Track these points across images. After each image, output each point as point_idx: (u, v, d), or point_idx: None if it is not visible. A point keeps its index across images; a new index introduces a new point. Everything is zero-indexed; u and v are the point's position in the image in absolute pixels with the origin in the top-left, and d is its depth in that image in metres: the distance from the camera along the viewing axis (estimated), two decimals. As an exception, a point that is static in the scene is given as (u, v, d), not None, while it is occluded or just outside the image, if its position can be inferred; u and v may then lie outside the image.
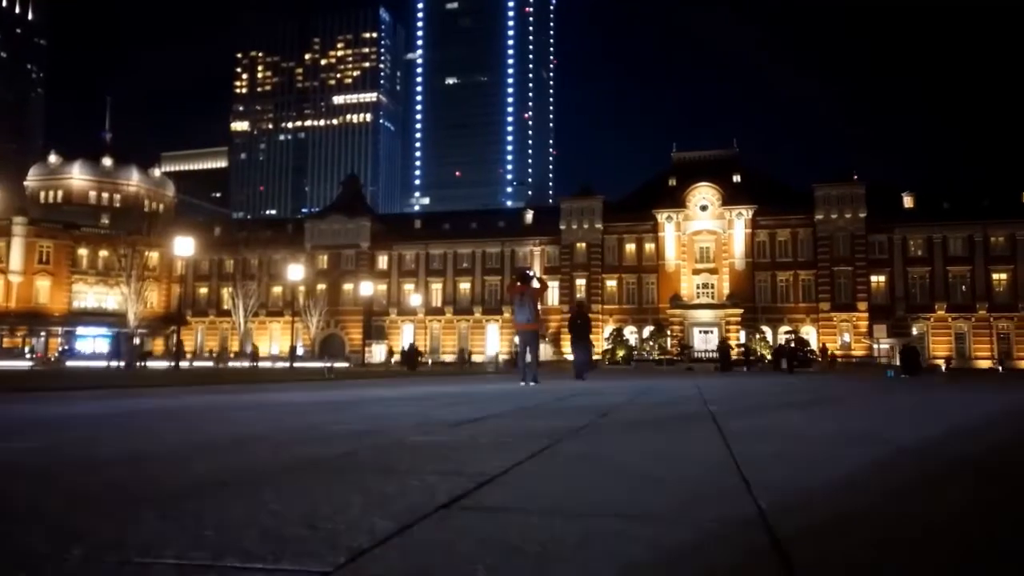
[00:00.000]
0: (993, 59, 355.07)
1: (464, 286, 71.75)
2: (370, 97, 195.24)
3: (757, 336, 59.31)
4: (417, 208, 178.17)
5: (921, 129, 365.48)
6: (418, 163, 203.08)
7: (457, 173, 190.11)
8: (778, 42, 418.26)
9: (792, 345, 54.53)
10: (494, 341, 70.05)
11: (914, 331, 59.81)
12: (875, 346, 59.56)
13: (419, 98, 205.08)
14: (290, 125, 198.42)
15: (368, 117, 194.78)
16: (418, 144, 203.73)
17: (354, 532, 1.58)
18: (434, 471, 2.43)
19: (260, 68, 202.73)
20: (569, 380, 15.26)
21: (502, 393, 9.03)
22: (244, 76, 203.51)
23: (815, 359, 54.81)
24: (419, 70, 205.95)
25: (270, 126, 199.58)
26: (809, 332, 60.49)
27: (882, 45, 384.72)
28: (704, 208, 64.74)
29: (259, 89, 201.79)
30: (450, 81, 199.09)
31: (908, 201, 61.87)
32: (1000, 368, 53.49)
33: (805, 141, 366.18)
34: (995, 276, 59.20)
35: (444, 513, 1.79)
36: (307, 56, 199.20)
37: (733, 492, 2.07)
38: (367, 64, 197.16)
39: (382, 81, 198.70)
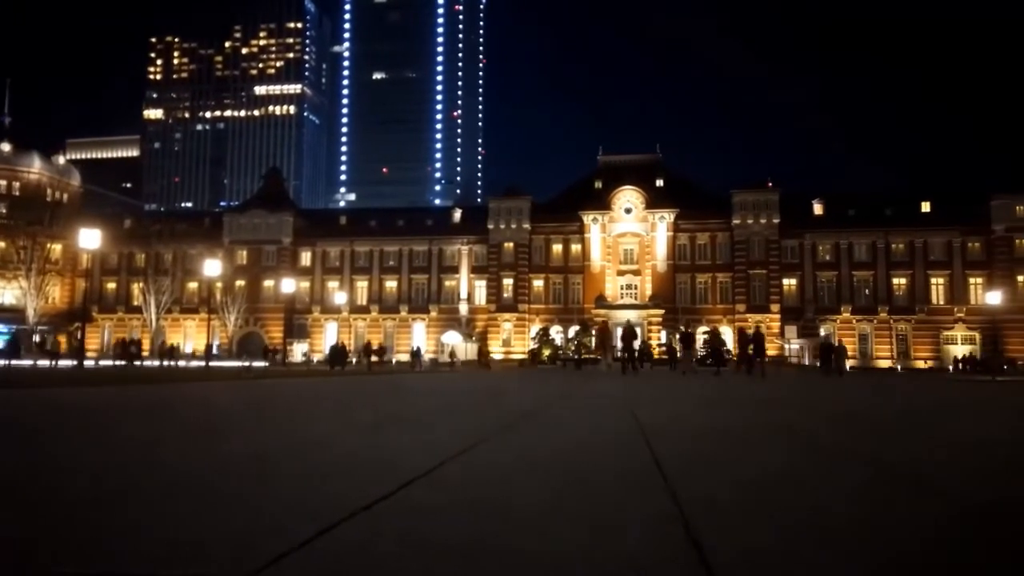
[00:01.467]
0: (902, 72, 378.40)
1: (390, 284, 70.85)
2: (294, 89, 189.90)
3: (677, 336, 61.06)
4: (342, 204, 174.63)
5: (832, 138, 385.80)
6: (344, 158, 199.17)
7: (384, 170, 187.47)
8: (702, 49, 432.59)
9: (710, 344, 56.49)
10: (420, 340, 69.46)
11: (822, 332, 62.98)
12: (787, 346, 62.40)
13: (345, 92, 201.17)
14: (208, 115, 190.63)
15: (292, 109, 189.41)
16: (344, 139, 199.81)
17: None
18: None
19: (177, 54, 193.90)
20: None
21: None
22: (159, 62, 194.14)
23: (731, 359, 56.94)
24: (346, 63, 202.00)
25: (187, 115, 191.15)
26: (726, 332, 62.74)
27: (799, 56, 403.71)
28: (628, 211, 66.23)
29: (175, 76, 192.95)
30: (378, 76, 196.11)
31: (818, 208, 65.13)
32: (899, 368, 57.09)
33: (725, 148, 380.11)
34: (895, 280, 63.09)
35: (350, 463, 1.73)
36: (227, 44, 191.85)
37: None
38: (291, 55, 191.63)
39: (307, 73, 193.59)
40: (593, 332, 62.84)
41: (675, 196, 66.10)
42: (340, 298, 63.42)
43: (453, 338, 68.06)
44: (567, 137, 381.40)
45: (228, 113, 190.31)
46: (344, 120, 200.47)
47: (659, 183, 67.67)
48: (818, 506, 2.07)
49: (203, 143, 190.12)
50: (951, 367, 54.51)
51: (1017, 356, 56.37)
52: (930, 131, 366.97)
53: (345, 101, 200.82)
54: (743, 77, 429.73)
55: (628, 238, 66.36)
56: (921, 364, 59.56)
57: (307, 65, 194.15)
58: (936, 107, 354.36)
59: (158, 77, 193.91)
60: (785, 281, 63.97)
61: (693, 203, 65.41)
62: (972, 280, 61.41)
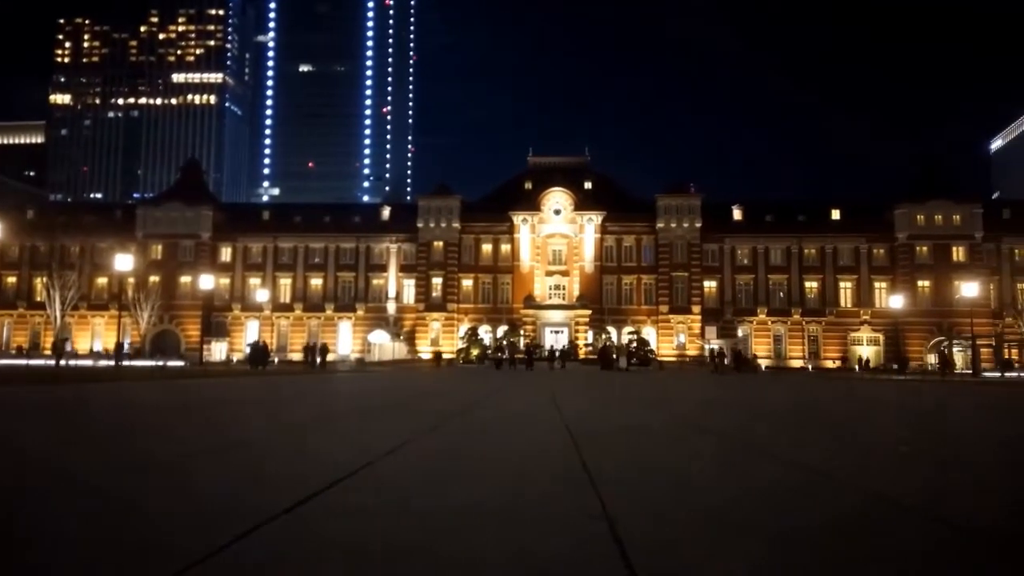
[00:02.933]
0: (815, 81, 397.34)
1: (316, 282, 69.22)
2: (215, 78, 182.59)
3: (603, 336, 62.23)
4: (266, 199, 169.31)
5: (751, 146, 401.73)
6: (267, 151, 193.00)
7: (310, 164, 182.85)
8: (631, 52, 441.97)
9: (633, 345, 57.95)
10: (346, 339, 68.20)
11: (739, 333, 65.57)
12: (706, 346, 64.60)
13: (270, 83, 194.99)
14: (121, 102, 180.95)
15: (212, 99, 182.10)
16: (268, 131, 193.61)
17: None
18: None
19: (87, 37, 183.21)
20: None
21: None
22: (68, 44, 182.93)
23: (654, 358, 58.62)
24: (270, 54, 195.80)
25: (97, 101, 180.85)
26: (649, 333, 64.41)
27: (724, 67, 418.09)
28: (557, 212, 67.00)
29: (85, 60, 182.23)
30: (304, 68, 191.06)
31: (737, 214, 67.67)
32: (809, 368, 60.01)
33: (651, 154, 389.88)
34: (808, 284, 66.24)
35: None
36: (143, 28, 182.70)
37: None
38: (212, 43, 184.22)
39: (229, 62, 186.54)
40: (522, 333, 63.40)
41: (603, 199, 67.34)
42: (262, 296, 61.43)
43: (381, 337, 67.12)
44: (498, 136, 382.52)
45: (143, 100, 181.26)
46: (268, 112, 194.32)
47: (587, 185, 68.78)
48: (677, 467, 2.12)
49: (115, 131, 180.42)
50: (857, 367, 57.71)
51: (916, 357, 60.24)
52: (840, 141, 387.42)
53: (269, 93, 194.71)
54: (670, 83, 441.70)
55: (557, 239, 67.12)
56: (830, 364, 62.73)
57: (229, 54, 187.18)
58: (847, 118, 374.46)
59: (66, 60, 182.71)
60: (706, 283, 66.14)
61: (620, 206, 66.81)
62: (877, 284, 65.15)
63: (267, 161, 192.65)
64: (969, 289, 48.68)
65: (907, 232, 63.94)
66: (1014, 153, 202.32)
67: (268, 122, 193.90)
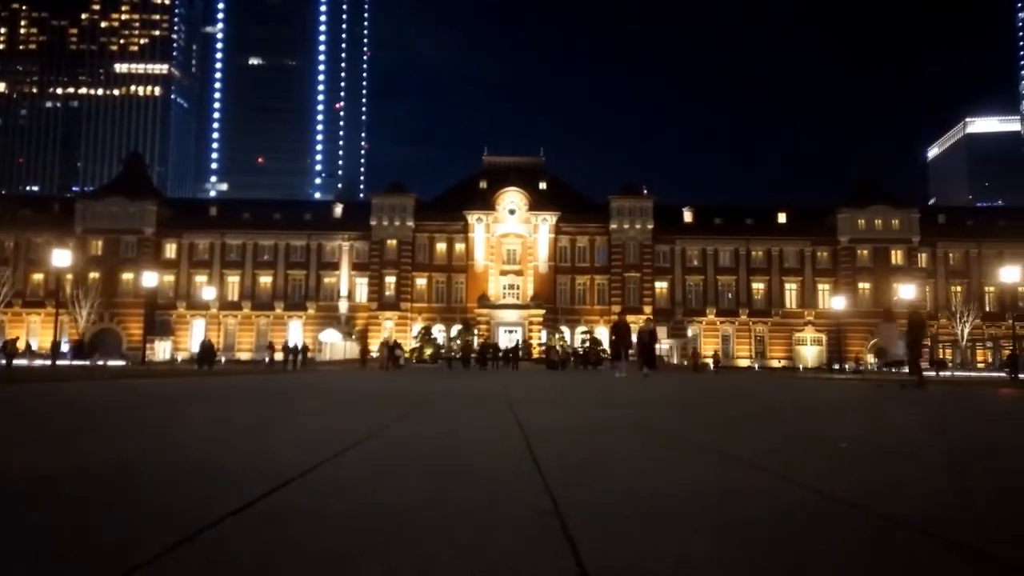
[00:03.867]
0: (764, 88, 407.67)
1: (265, 280, 67.79)
2: (160, 69, 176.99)
3: (556, 336, 62.64)
4: (213, 194, 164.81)
5: (703, 150, 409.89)
6: (215, 146, 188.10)
7: (260, 159, 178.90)
8: (585, 55, 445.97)
9: (586, 345, 58.55)
10: (297, 338, 66.87)
11: (690, 333, 66.82)
12: (658, 346, 65.53)
13: (218, 76, 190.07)
14: (60, 91, 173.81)
15: (157, 91, 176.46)
16: (216, 125, 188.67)
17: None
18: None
19: (23, 23, 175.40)
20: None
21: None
22: (2, 31, 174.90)
23: (606, 358, 59.24)
24: (219, 46, 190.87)
25: (34, 90, 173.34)
26: (602, 333, 65.04)
27: (676, 74, 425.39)
28: (512, 212, 67.14)
29: (21, 47, 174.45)
30: (254, 61, 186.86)
31: (688, 216, 68.95)
32: (756, 367, 61.52)
33: (605, 155, 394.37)
34: (755, 285, 67.92)
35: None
36: (84, 16, 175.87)
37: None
38: (157, 32, 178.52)
39: (175, 53, 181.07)
40: (476, 332, 63.27)
41: (557, 199, 67.78)
42: (209, 293, 59.76)
43: (332, 336, 66.13)
44: (453, 135, 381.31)
45: (83, 91, 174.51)
46: (216, 106, 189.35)
47: (542, 186, 69.12)
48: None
49: (53, 122, 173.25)
50: (800, 367, 59.47)
51: (857, 356, 62.39)
52: (787, 147, 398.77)
53: (218, 86, 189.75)
54: (624, 87, 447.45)
55: (511, 239, 67.25)
56: (775, 363, 64.47)
57: (175, 44, 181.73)
58: (793, 125, 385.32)
59: (1, 47, 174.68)
60: (657, 284, 67.20)
61: (574, 207, 67.36)
62: (820, 286, 67.21)
63: (215, 156, 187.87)
64: (907, 291, 50.49)
65: (849, 236, 66.15)
66: (949, 161, 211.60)
67: (216, 116, 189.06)
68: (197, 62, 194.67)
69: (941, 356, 53.10)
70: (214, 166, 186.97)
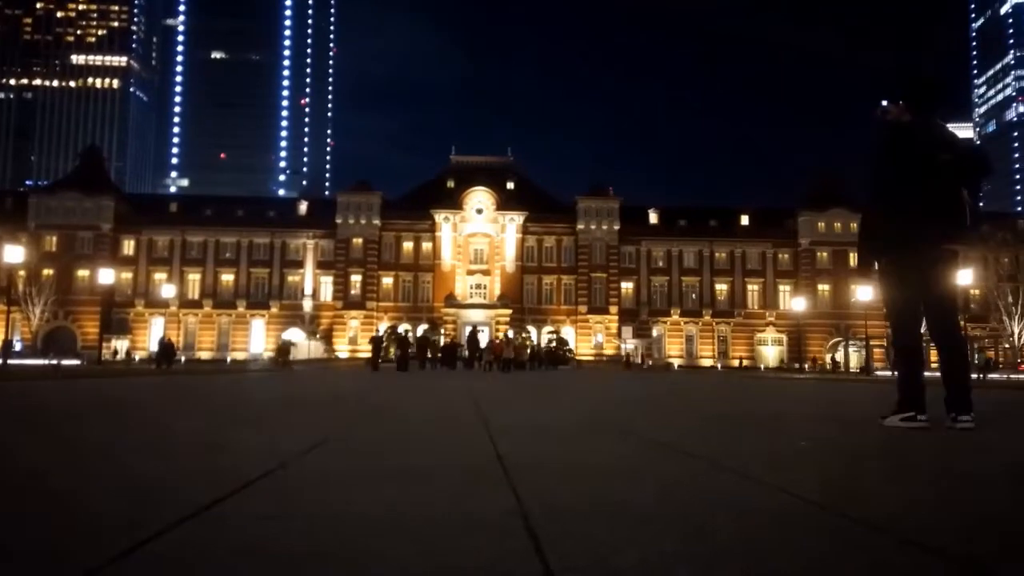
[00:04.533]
0: (734, 93, 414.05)
1: (227, 278, 66.55)
2: (118, 61, 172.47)
3: (523, 335, 62.71)
4: (173, 190, 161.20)
5: (668, 152, 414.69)
6: (176, 140, 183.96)
7: (222, 155, 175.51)
8: (555, 56, 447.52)
9: (553, 344, 58.76)
10: (259, 338, 65.91)
11: (654, 333, 67.53)
12: (623, 346, 66.22)
13: (179, 69, 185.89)
14: (13, 82, 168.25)
15: (115, 83, 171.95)
16: (177, 120, 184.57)
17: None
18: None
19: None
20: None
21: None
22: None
23: (572, 357, 59.64)
24: (180, 39, 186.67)
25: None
26: (568, 332, 65.44)
27: (642, 77, 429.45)
28: (480, 211, 67.05)
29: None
30: (217, 55, 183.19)
31: (653, 217, 69.67)
32: (719, 367, 62.46)
33: (573, 155, 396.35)
34: (718, 286, 68.93)
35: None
36: (39, 5, 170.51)
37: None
38: (116, 24, 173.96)
39: (134, 45, 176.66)
40: (443, 332, 62.97)
41: (525, 199, 67.86)
42: (168, 291, 58.47)
43: (296, 336, 65.24)
44: (420, 134, 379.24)
45: (38, 82, 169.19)
46: (177, 100, 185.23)
47: (510, 186, 69.13)
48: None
49: (6, 113, 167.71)
50: (762, 366, 60.58)
51: (817, 355, 63.76)
52: (751, 150, 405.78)
53: (179, 79, 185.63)
54: (593, 88, 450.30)
55: (479, 238, 67.15)
56: (736, 363, 65.53)
57: (135, 36, 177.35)
58: (757, 128, 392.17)
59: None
60: (623, 284, 67.75)
61: (541, 207, 67.53)
62: (782, 287, 68.50)
63: (175, 151, 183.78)
64: (864, 293, 51.79)
65: (809, 238, 67.56)
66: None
67: (177, 110, 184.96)
68: (157, 55, 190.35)
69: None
70: (175, 161, 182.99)
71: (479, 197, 67.09)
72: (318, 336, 65.18)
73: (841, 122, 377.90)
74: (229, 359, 59.52)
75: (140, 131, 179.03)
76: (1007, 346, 52.67)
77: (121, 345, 63.04)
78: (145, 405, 6.39)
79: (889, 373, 41.60)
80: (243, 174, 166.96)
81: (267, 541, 1.47)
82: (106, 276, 45.01)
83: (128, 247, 65.74)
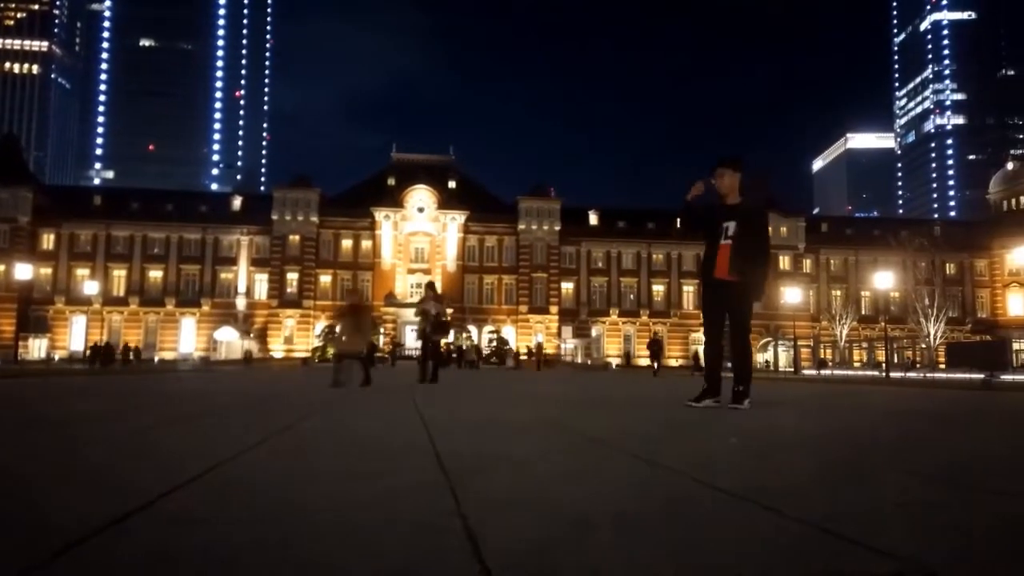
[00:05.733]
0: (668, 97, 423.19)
1: (155, 274, 64.06)
2: (38, 46, 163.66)
3: (464, 335, 62.58)
4: (98, 182, 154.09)
5: (609, 152, 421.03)
6: (101, 131, 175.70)
7: (150, 147, 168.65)
8: (497, 54, 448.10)
9: (493, 344, 58.90)
10: (189, 337, 63.67)
11: (593, 333, 68.47)
12: (563, 345, 66.93)
13: (105, 56, 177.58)
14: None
15: (36, 69, 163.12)
16: (102, 109, 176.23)
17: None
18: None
19: None
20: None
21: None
22: None
23: (512, 356, 59.91)
24: (106, 24, 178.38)
25: None
26: (509, 332, 65.65)
27: (582, 83, 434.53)
28: (421, 210, 66.54)
29: None
30: (146, 43, 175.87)
31: (593, 218, 70.62)
32: (656, 366, 63.72)
33: (515, 156, 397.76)
34: (655, 287, 70.40)
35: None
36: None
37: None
38: (36, 7, 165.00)
39: (56, 30, 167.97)
40: (382, 331, 62.24)
41: (466, 198, 67.69)
42: (91, 288, 55.76)
43: (228, 335, 63.35)
44: (360, 131, 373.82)
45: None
46: (102, 88, 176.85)
47: (451, 185, 68.83)
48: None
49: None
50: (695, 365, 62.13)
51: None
52: (687, 154, 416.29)
53: (104, 67, 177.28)
54: (534, 90, 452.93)
55: (420, 237, 66.64)
56: (672, 363, 67.02)
57: (56, 21, 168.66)
58: (693, 132, 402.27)
59: None
60: (563, 285, 68.44)
61: (483, 206, 67.50)
62: (715, 289, 70.41)
63: (100, 141, 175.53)
64: (792, 295, 53.91)
65: (742, 241, 69.65)
66: (831, 174, 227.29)
67: (102, 98, 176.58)
68: (82, 41, 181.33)
69: (822, 356, 56.89)
70: (99, 152, 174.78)
71: (420, 195, 66.57)
72: (252, 335, 63.43)
73: (769, 131, 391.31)
74: (157, 359, 57.30)
75: (62, 120, 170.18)
76: (924, 347, 55.55)
77: (40, 344, 59.92)
78: None
79: (815, 372, 43.46)
80: (173, 167, 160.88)
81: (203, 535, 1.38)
82: (23, 271, 42.68)
83: (47, 241, 62.50)
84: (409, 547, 1.43)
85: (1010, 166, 78.69)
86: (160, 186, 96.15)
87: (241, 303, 64.42)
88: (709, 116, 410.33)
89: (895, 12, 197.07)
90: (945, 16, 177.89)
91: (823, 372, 42.79)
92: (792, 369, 48.94)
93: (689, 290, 70.69)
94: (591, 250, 69.44)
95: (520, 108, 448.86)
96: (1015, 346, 46.75)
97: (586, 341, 67.72)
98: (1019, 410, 7.21)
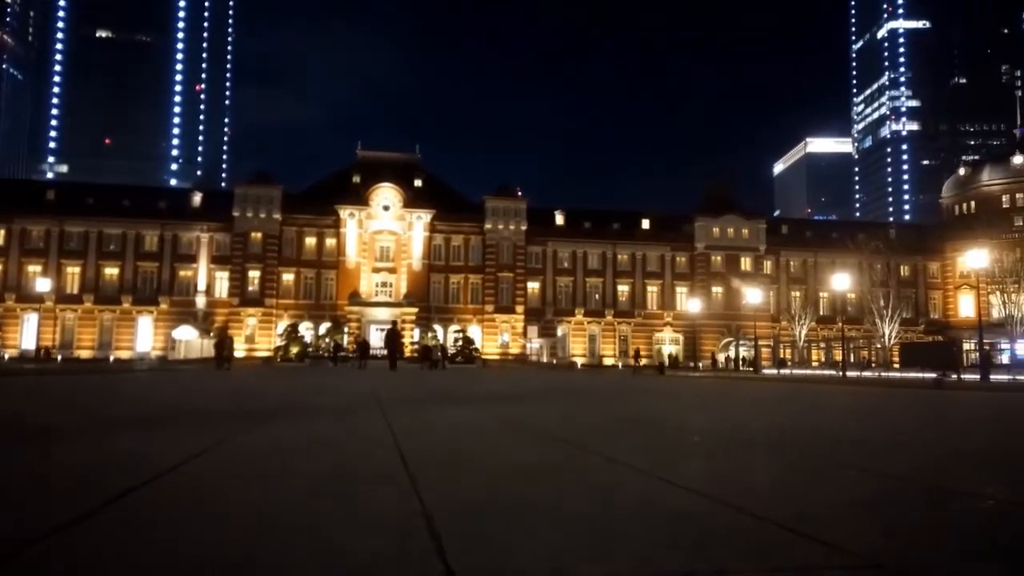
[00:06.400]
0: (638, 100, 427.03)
1: (111, 272, 62.38)
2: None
3: (429, 334, 62.29)
4: (51, 176, 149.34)
5: (575, 152, 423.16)
6: (54, 123, 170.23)
7: (107, 141, 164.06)
8: (464, 53, 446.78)
9: (459, 343, 58.79)
10: (147, 336, 62.17)
11: (559, 332, 68.73)
12: (528, 345, 67.08)
13: (59, 47, 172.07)
14: None
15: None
16: (56, 101, 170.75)
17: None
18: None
19: None
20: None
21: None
22: None
23: (478, 356, 59.90)
24: (61, 14, 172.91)
25: None
26: (475, 331, 65.52)
27: (546, 83, 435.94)
28: (386, 208, 65.98)
29: None
30: (103, 34, 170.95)
31: (559, 219, 70.88)
32: (620, 365, 64.35)
33: (482, 155, 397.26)
34: (620, 287, 70.96)
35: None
36: None
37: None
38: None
39: (8, 18, 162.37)
40: (346, 330, 61.54)
41: (432, 197, 67.29)
42: (43, 285, 54.09)
43: (187, 334, 62.02)
44: (324, 127, 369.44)
45: None
46: (57, 79, 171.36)
47: (417, 183, 68.37)
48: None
49: None
50: (660, 364, 62.88)
51: (710, 355, 66.82)
52: (652, 156, 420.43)
53: (59, 58, 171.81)
54: (501, 90, 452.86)
55: (385, 235, 66.07)
56: (637, 362, 67.64)
57: (9, 9, 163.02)
58: (657, 135, 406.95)
59: None
60: (530, 284, 68.55)
61: (449, 206, 67.20)
62: (678, 289, 71.33)
63: (54, 134, 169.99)
64: (753, 296, 54.86)
65: (704, 243, 70.71)
66: (791, 177, 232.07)
67: (56, 90, 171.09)
68: (35, 30, 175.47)
69: (782, 355, 58.00)
70: (53, 146, 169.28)
71: (386, 194, 66.00)
72: (212, 334, 62.16)
73: (732, 135, 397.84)
74: (112, 358, 55.83)
75: (14, 112, 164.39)
76: (879, 346, 57.04)
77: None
78: None
79: (776, 371, 44.25)
80: (131, 162, 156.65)
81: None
82: (-30, 268, 41.15)
83: (-3, 237, 60.39)
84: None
85: (962, 171, 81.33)
86: (117, 181, 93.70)
87: (201, 301, 63.12)
88: (673, 120, 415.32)
89: (854, 20, 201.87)
90: (901, 24, 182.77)
91: (782, 371, 43.65)
92: (752, 368, 49.81)
93: (653, 290, 71.43)
94: (557, 250, 69.70)
95: (487, 108, 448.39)
96: (965, 346, 48.23)
97: (552, 341, 67.94)
98: (969, 409, 7.43)
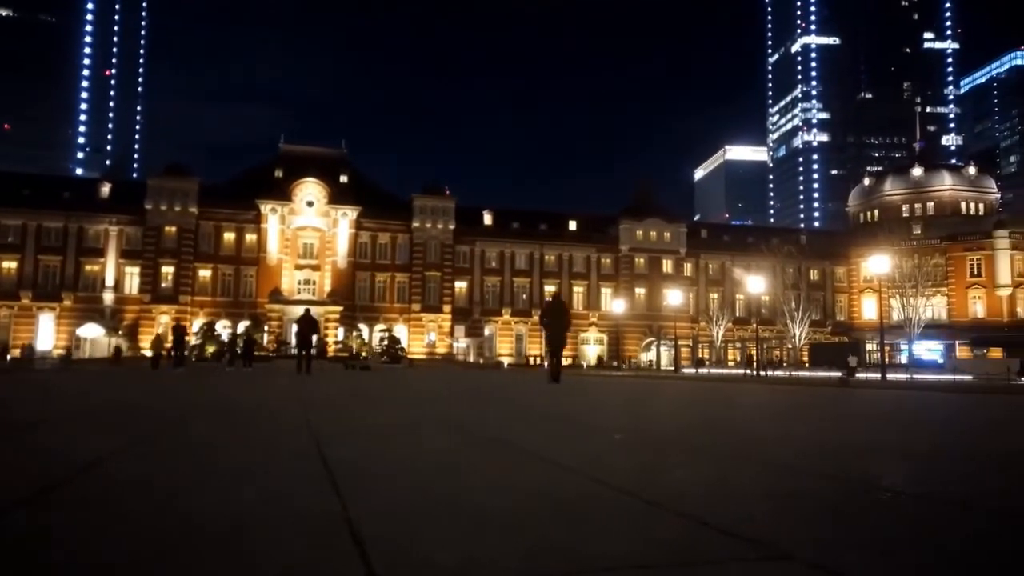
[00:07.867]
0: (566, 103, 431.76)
1: (9, 265, 58.46)
2: None
3: (354, 334, 61.23)
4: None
5: (504, 152, 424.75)
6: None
7: (6, 126, 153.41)
8: (392, 50, 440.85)
9: (385, 343, 58.00)
10: (48, 333, 58.50)
11: (486, 332, 68.84)
12: (456, 344, 66.85)
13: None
14: None
15: None
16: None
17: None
18: None
19: None
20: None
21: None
22: None
23: (404, 356, 59.31)
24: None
25: None
26: (401, 331, 64.81)
27: (472, 82, 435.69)
28: (310, 204, 64.43)
29: None
30: (2, 13, 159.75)
31: (488, 218, 71.02)
32: (545, 365, 64.98)
33: (410, 154, 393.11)
34: (547, 288, 71.35)
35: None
36: None
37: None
38: None
39: None
40: (266, 329, 59.69)
41: (359, 194, 66.14)
42: (-70, 279, 50.10)
43: (93, 331, 58.74)
44: (244, 119, 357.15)
45: None
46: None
47: (343, 179, 67.05)
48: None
49: None
50: (584, 364, 63.98)
51: (633, 355, 68.45)
52: (582, 156, 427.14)
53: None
54: (428, 89, 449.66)
55: (309, 232, 64.47)
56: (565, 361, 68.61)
57: None
58: (585, 141, 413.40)
59: None
60: (457, 284, 68.36)
61: (376, 203, 66.20)
62: (603, 290, 72.73)
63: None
64: (674, 297, 56.59)
65: (628, 245, 72.37)
66: (710, 183, 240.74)
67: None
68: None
69: (700, 355, 60.08)
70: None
71: (310, 189, 64.42)
72: (120, 332, 59.10)
73: (656, 141, 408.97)
74: (8, 357, 52.18)
75: None
76: (790, 347, 59.82)
77: None
78: None
79: (694, 370, 45.79)
80: (32, 150, 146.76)
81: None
82: None
83: None
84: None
85: (866, 182, 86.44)
86: (16, 169, 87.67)
87: (109, 297, 59.87)
88: (598, 124, 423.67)
89: (770, 34, 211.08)
90: (813, 40, 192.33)
91: (700, 370, 45.15)
92: (673, 368, 51.30)
93: (579, 291, 72.53)
94: (485, 250, 69.79)
95: (415, 107, 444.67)
96: (868, 346, 51.30)
97: (479, 340, 67.99)
98: (869, 404, 7.90)
